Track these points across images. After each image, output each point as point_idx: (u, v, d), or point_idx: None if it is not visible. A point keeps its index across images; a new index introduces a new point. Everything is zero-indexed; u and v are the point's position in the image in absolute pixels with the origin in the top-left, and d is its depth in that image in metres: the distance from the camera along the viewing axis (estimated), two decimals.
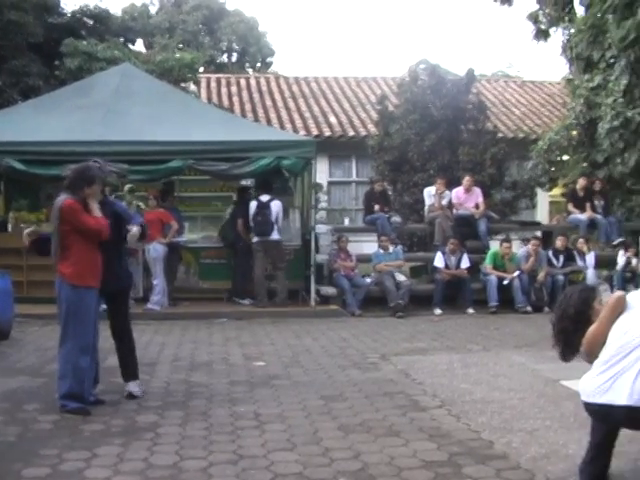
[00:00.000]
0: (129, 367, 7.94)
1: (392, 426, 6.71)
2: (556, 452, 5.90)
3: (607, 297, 5.31)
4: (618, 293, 5.22)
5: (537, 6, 25.11)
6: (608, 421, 5.03)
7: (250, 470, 5.60)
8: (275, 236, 14.92)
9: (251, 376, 9.00)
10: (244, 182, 16.61)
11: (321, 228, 16.48)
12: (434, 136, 18.56)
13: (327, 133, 24.66)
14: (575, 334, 5.20)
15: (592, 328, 5.08)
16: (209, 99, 26.65)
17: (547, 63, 46.55)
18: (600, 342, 5.01)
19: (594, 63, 21.16)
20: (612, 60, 20.38)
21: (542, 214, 24.60)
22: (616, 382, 4.76)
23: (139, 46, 36.14)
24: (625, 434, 5.35)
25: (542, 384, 8.39)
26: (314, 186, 16.45)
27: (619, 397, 4.72)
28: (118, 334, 7.91)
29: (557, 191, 22.99)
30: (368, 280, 15.61)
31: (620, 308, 5.05)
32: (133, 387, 7.88)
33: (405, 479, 5.40)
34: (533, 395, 7.90)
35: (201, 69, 29.94)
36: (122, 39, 27.89)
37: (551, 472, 5.45)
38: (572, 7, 24.04)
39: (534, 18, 24.97)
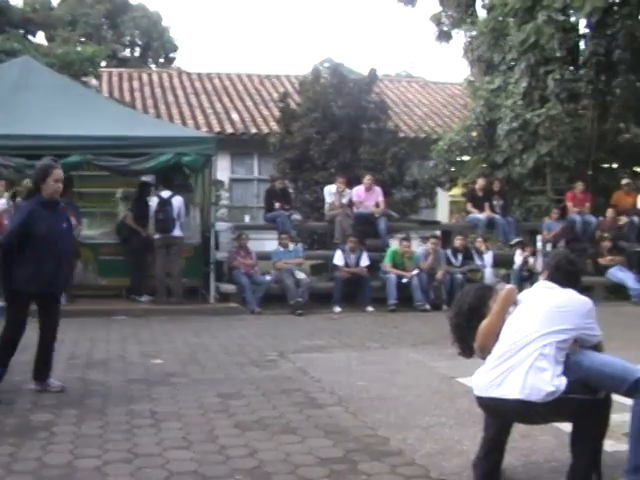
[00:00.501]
0: (49, 364, 7.93)
1: (289, 423, 6.68)
2: (450, 448, 5.95)
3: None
4: (508, 286, 5.30)
5: (440, 8, 25.45)
6: (500, 415, 5.10)
7: (145, 468, 5.51)
8: (177, 233, 14.78)
9: (148, 374, 8.88)
10: (144, 178, 16.39)
11: (221, 225, 16.41)
12: (335, 135, 18.57)
13: (229, 130, 24.49)
14: (469, 331, 5.26)
15: (484, 322, 5.14)
16: (110, 94, 26.20)
17: (449, 64, 47.28)
18: (492, 336, 5.07)
19: (495, 65, 21.57)
20: (512, 63, 20.80)
21: (442, 213, 24.85)
22: (508, 377, 4.82)
23: (40, 39, 35.55)
24: (518, 430, 5.44)
25: (438, 381, 8.47)
26: (214, 183, 16.36)
27: (511, 391, 4.77)
28: (49, 333, 7.87)
29: (457, 191, 23.30)
30: (268, 278, 15.56)
31: (511, 300, 5.13)
32: (55, 382, 7.88)
33: (301, 476, 5.37)
34: (429, 392, 7.96)
35: (103, 63, 29.48)
36: (22, 31, 27.34)
37: (445, 468, 5.49)
38: (474, 10, 24.45)
39: (437, 20, 25.31)
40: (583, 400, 4.77)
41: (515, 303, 5.15)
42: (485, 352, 5.10)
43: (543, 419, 5.11)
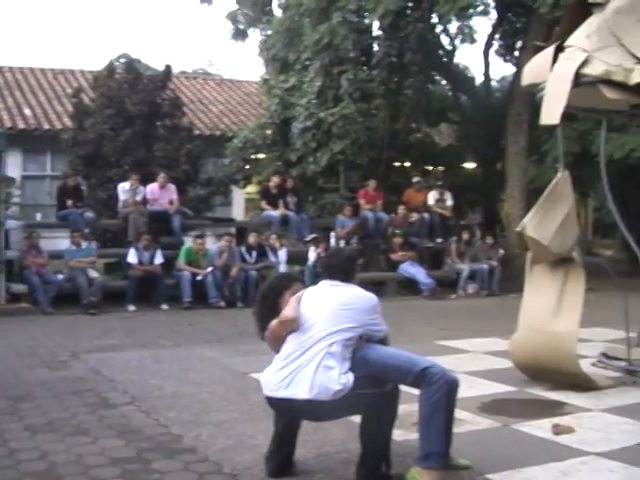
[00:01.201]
0: None
1: (80, 424, 6.56)
2: (244, 443, 6.00)
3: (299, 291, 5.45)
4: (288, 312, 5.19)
5: (236, 6, 25.55)
6: (290, 414, 5.20)
7: None
8: None
9: None
10: None
11: (11, 224, 15.88)
12: (129, 131, 18.31)
13: (21, 126, 23.65)
14: (264, 319, 5.31)
15: (273, 324, 5.20)
16: None
17: (246, 63, 47.48)
18: (279, 340, 5.15)
19: (290, 64, 21.81)
20: (307, 62, 21.11)
21: (238, 211, 24.99)
22: (296, 377, 4.89)
23: None
24: (309, 423, 5.53)
25: (232, 377, 8.51)
26: (4, 180, 15.84)
27: (300, 391, 4.85)
28: None
29: (252, 188, 23.42)
30: (60, 277, 15.20)
31: (289, 326, 5.15)
32: None
33: (93, 477, 5.28)
34: (223, 388, 7.99)
35: None
36: None
37: (239, 463, 5.52)
38: (270, 9, 24.63)
39: (233, 18, 25.41)
40: (371, 394, 4.90)
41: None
42: (275, 348, 5.18)
43: (333, 416, 5.23)
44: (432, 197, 19.82)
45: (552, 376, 7.92)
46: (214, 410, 7.05)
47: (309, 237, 17.86)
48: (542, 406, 7.25)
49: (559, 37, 8.32)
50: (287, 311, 5.12)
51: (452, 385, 4.96)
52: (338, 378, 4.82)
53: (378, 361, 4.99)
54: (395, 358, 5.02)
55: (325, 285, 5.33)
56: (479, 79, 26.09)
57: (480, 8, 20.30)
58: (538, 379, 8.07)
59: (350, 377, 4.87)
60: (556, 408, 7.14)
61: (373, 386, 4.92)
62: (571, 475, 5.27)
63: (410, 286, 17.62)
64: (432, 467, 4.84)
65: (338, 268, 5.35)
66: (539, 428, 6.37)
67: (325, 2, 20.04)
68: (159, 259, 15.54)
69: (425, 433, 4.91)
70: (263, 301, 5.42)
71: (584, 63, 7.68)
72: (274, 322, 5.15)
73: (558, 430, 6.25)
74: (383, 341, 5.28)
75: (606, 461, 5.54)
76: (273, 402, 5.12)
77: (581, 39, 7.90)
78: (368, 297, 5.20)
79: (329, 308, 5.05)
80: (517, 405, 7.41)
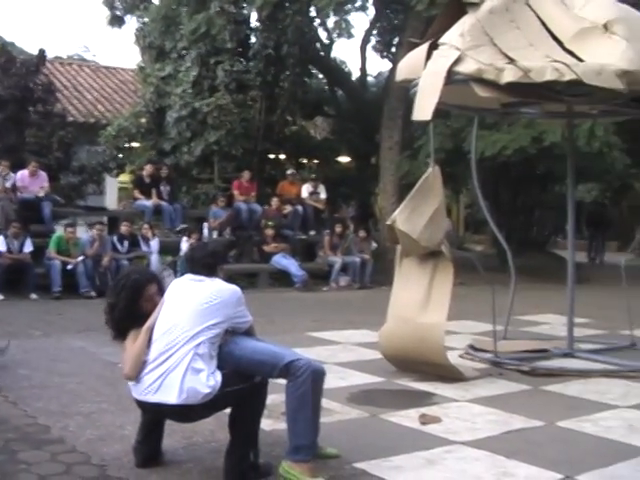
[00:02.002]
0: None
1: None
2: (112, 434, 5.93)
3: (171, 281, 5.38)
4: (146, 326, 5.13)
5: None
6: (160, 417, 5.20)
7: None
8: None
9: None
10: None
11: None
12: (1, 116, 17.89)
13: None
14: (121, 319, 5.24)
15: (129, 352, 5.10)
16: None
17: (123, 50, 46.81)
18: (138, 366, 5.02)
19: (166, 53, 21.64)
20: (184, 51, 21.02)
21: (111, 200, 24.69)
22: (165, 381, 4.85)
23: None
24: None
25: (101, 367, 8.39)
26: None
27: (169, 396, 4.81)
28: None
29: (126, 177, 23.18)
30: None
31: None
32: None
33: None
34: (92, 379, 7.88)
35: None
36: None
37: (107, 453, 5.46)
38: None
39: (110, 4, 25.00)
40: (240, 389, 4.91)
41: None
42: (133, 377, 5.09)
43: (204, 416, 5.19)
44: (306, 190, 19.95)
45: (420, 367, 8.06)
46: (83, 400, 6.94)
47: (181, 227, 17.79)
48: (410, 396, 7.37)
49: (434, 35, 8.46)
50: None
51: (318, 375, 5.00)
52: (207, 381, 4.80)
53: (243, 357, 5.00)
54: (260, 353, 5.03)
55: (188, 280, 5.25)
56: (356, 74, 26.37)
57: (358, 3, 20.57)
58: (406, 370, 8.20)
59: (218, 377, 4.86)
60: (424, 398, 7.26)
61: (241, 381, 4.93)
62: (437, 463, 5.37)
63: (283, 278, 17.67)
64: (302, 460, 4.88)
65: (201, 262, 5.30)
66: (407, 418, 6.48)
67: None
68: (28, 247, 15.14)
69: (293, 426, 4.94)
70: (126, 301, 5.20)
71: (457, 61, 7.82)
72: (136, 343, 5.08)
73: (425, 420, 6.37)
74: (248, 331, 5.29)
75: (471, 450, 5.67)
76: (142, 405, 5.08)
77: (455, 37, 8.06)
78: (231, 290, 5.15)
79: (193, 307, 4.98)
80: (385, 395, 7.52)
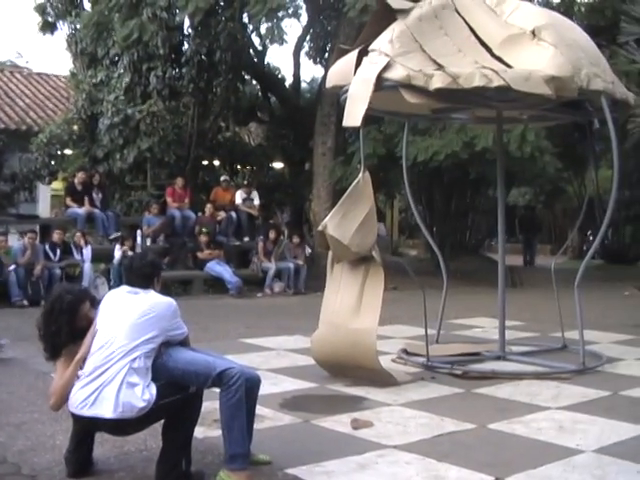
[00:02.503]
0: None
1: None
2: (43, 444, 5.89)
3: (105, 290, 5.36)
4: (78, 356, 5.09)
5: None
6: (95, 430, 5.19)
7: None
8: None
9: None
10: None
11: None
12: None
13: None
14: (56, 335, 5.19)
15: (58, 381, 5.11)
16: None
17: (56, 56, 46.28)
18: (65, 396, 5.01)
19: (98, 59, 21.48)
20: (116, 58, 20.88)
21: (44, 207, 24.39)
22: (100, 395, 4.83)
23: None
24: None
25: (33, 377, 8.30)
26: None
27: (104, 410, 4.80)
28: None
29: (58, 185, 22.95)
30: None
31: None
32: None
33: None
34: (23, 388, 7.82)
35: None
36: None
37: (37, 464, 5.42)
38: (81, 2, 24.14)
39: (42, 10, 24.71)
40: (175, 400, 4.93)
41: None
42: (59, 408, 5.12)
43: (139, 429, 5.18)
44: (239, 196, 19.94)
45: (352, 372, 8.11)
46: (14, 411, 6.89)
47: (114, 235, 17.63)
48: (342, 401, 7.43)
49: (364, 41, 8.52)
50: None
51: (252, 382, 5.04)
52: (142, 394, 4.80)
53: (177, 368, 5.02)
54: (192, 364, 5.04)
55: (124, 292, 5.25)
56: (289, 80, 26.38)
57: (291, 10, 20.56)
58: (339, 375, 8.25)
59: (153, 390, 4.87)
60: (356, 403, 7.32)
61: (176, 392, 4.95)
62: (369, 467, 5.43)
63: (217, 285, 17.62)
64: (238, 468, 4.91)
65: (139, 271, 5.29)
66: (339, 423, 6.53)
67: None
68: None
69: (228, 435, 4.96)
70: (63, 319, 5.18)
71: (386, 67, 7.90)
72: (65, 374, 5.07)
73: (357, 425, 6.42)
74: (183, 342, 5.30)
75: (403, 453, 5.73)
76: (78, 419, 5.05)
77: (384, 44, 8.13)
78: (167, 303, 5.16)
79: (129, 321, 4.97)
80: (318, 401, 7.57)
